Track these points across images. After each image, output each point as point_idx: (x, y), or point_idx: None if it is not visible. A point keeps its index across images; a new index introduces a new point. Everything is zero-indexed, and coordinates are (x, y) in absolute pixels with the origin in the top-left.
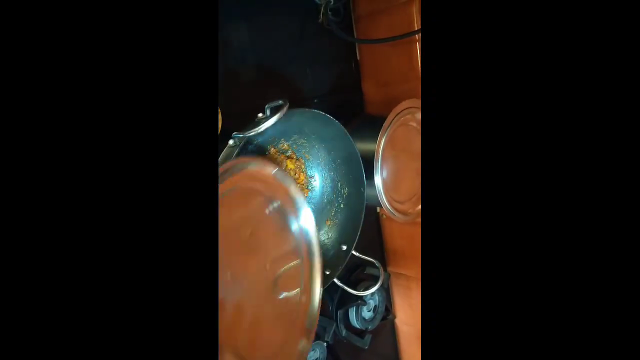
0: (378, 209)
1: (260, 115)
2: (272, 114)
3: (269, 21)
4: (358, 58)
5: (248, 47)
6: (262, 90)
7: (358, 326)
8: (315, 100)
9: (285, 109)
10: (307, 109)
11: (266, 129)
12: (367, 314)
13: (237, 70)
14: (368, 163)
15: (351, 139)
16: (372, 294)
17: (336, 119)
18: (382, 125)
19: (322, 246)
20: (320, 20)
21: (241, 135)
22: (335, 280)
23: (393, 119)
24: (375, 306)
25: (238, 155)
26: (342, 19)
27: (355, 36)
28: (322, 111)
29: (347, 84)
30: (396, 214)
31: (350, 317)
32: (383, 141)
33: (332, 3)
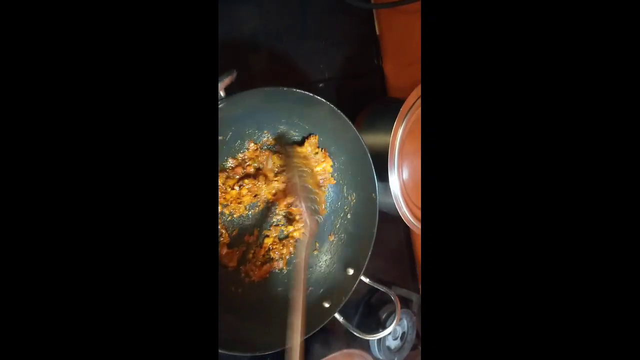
0: None
1: None
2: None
3: None
4: (377, 33)
5: (239, 20)
6: (258, 73)
7: (381, 357)
8: (321, 85)
9: (228, 79)
10: (286, 88)
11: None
12: (392, 342)
13: (224, 50)
14: (383, 160)
15: (355, 129)
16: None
17: (352, 106)
18: (399, 111)
19: (322, 271)
20: None
21: None
22: (337, 316)
23: (414, 103)
24: (403, 333)
25: None
26: None
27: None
28: (332, 97)
29: (364, 65)
30: (419, 224)
31: (372, 347)
32: (400, 131)
33: None
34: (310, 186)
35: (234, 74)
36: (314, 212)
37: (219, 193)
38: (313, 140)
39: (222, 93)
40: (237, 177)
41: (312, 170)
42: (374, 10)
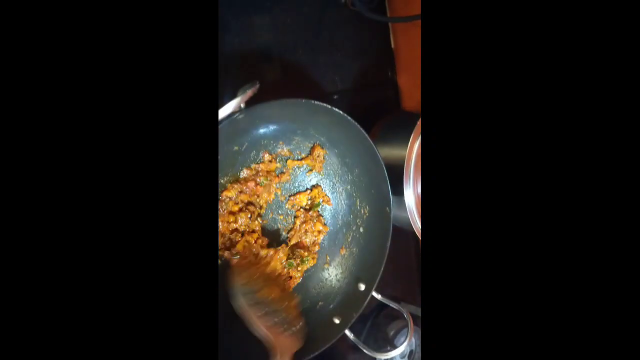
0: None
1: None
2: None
3: (281, 4)
4: (393, 46)
5: (254, 32)
6: (271, 85)
7: None
8: (335, 97)
9: (251, 91)
10: (305, 100)
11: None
12: None
13: (240, 61)
14: (396, 174)
15: (371, 142)
16: (406, 336)
17: (366, 119)
18: (416, 123)
19: (333, 285)
20: (343, 1)
21: None
22: (348, 333)
23: None
24: (411, 351)
25: None
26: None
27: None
28: (345, 109)
29: (379, 78)
30: None
31: None
32: (417, 145)
33: None
34: (265, 297)
35: (257, 86)
36: (283, 326)
37: (230, 204)
38: (317, 191)
39: (242, 105)
40: (246, 190)
41: (270, 267)
42: (390, 24)
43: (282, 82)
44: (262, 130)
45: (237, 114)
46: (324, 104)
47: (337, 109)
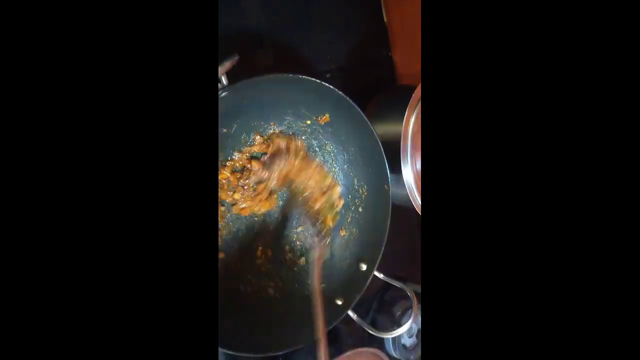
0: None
1: None
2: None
3: None
4: (385, 20)
5: (242, 12)
6: (262, 66)
7: (396, 356)
8: (328, 76)
9: (229, 63)
10: (292, 75)
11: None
12: (408, 340)
13: (227, 42)
14: (394, 151)
15: (366, 118)
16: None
17: (361, 97)
18: (410, 98)
19: (334, 266)
20: None
21: None
22: (351, 313)
23: None
24: (418, 330)
25: None
26: None
27: None
28: (339, 88)
29: (372, 54)
30: None
31: (387, 345)
32: (413, 120)
33: None
34: (314, 209)
35: (236, 58)
36: (319, 233)
37: (226, 189)
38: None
39: (223, 79)
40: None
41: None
42: None
43: (273, 63)
44: (251, 111)
45: (220, 91)
46: (313, 79)
47: (326, 84)
